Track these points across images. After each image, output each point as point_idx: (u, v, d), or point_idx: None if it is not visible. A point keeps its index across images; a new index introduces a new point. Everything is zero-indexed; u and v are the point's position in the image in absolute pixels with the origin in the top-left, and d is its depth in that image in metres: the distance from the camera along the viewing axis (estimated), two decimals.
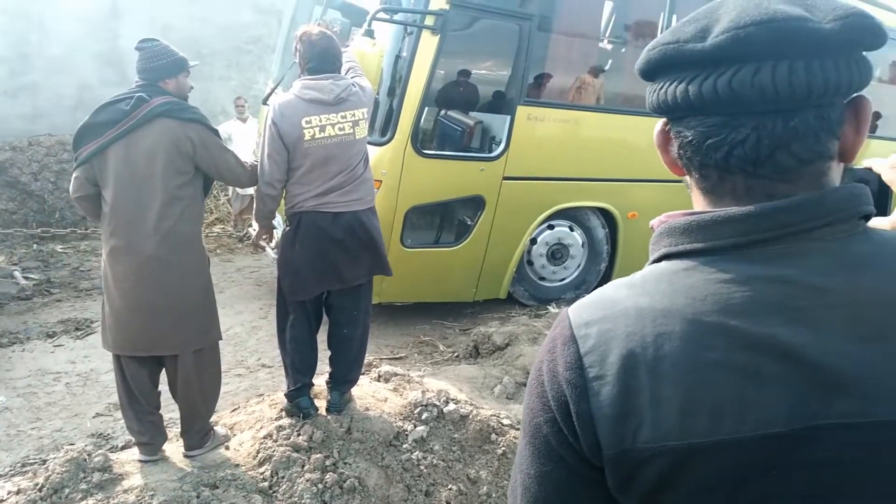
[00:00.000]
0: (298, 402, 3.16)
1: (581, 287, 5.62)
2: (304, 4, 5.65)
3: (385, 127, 4.35)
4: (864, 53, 0.64)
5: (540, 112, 4.83)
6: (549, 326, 4.55)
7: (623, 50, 5.78)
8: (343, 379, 3.27)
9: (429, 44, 4.21)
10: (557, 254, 5.46)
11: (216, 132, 2.89)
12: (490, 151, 4.81)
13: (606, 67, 5.68)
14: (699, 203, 0.70)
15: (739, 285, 0.61)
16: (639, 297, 0.65)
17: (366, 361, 3.87)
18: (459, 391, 3.64)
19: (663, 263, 0.68)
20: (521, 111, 4.70)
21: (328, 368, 3.34)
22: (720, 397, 0.59)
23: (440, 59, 4.29)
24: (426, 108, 4.44)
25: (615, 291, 0.69)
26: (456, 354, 4.55)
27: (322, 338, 3.32)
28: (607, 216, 5.48)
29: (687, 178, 0.72)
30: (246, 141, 7.13)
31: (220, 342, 3.06)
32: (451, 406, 3.28)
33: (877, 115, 7.17)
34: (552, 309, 5.27)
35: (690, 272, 0.64)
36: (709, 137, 0.64)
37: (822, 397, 0.58)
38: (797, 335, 0.59)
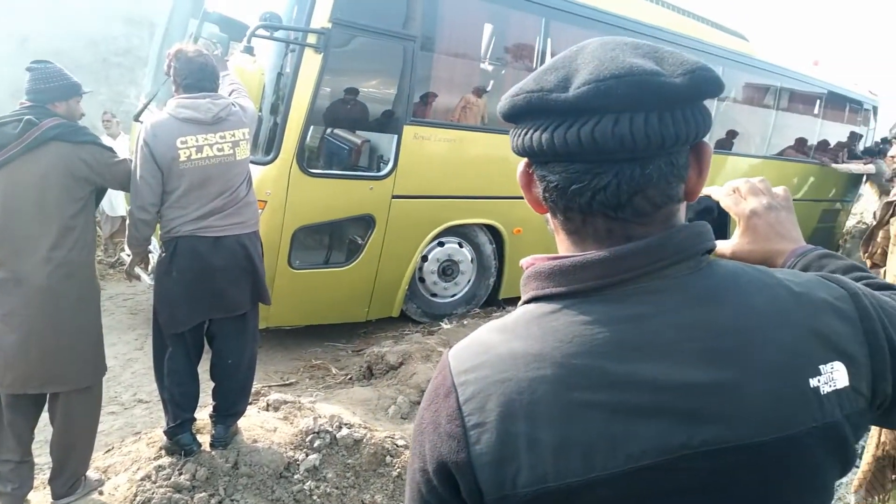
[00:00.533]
0: (179, 439, 2.96)
1: (472, 301, 5.71)
2: (179, 17, 5.40)
3: (269, 146, 4.23)
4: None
5: (426, 131, 4.89)
6: (443, 344, 4.62)
7: (503, 71, 5.98)
8: (228, 411, 3.11)
9: (312, 62, 4.14)
10: (448, 270, 5.52)
11: (110, 149, 2.76)
12: (378, 170, 4.80)
13: (489, 88, 5.85)
14: (563, 242, 0.73)
15: (601, 326, 0.65)
16: (512, 342, 0.67)
17: (253, 390, 3.72)
18: (353, 414, 3.57)
19: (532, 305, 0.70)
20: (408, 130, 4.73)
21: (211, 401, 3.16)
22: (592, 436, 0.61)
23: (324, 77, 4.23)
24: (312, 127, 4.36)
25: (490, 336, 0.70)
26: (349, 376, 4.47)
27: (204, 367, 3.15)
28: (494, 232, 5.61)
29: (550, 217, 0.74)
30: None
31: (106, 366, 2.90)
32: (345, 431, 3.21)
33: (732, 133, 7.88)
34: (444, 325, 5.31)
35: (557, 315, 0.67)
36: (573, 183, 0.67)
37: (685, 427, 0.62)
38: (657, 370, 0.63)
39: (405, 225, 4.95)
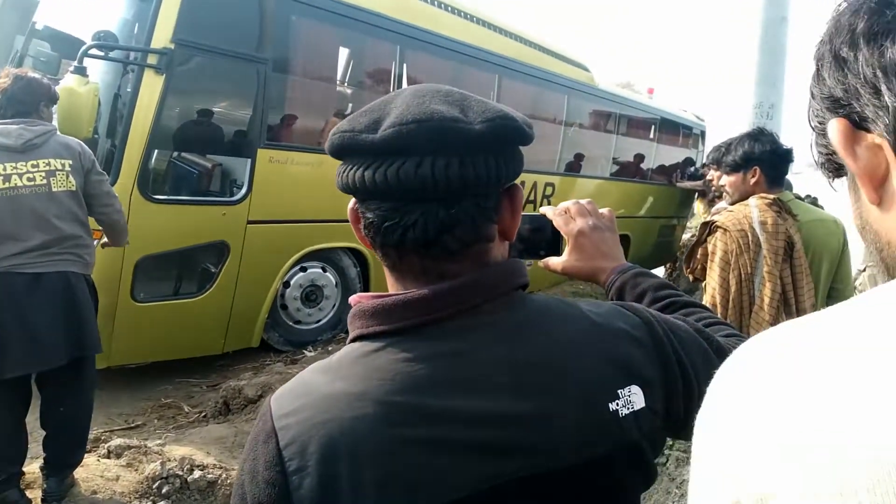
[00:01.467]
0: (6, 496, 2.67)
1: (337, 327, 5.62)
2: (3, 33, 4.90)
3: (105, 171, 3.91)
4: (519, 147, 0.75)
5: (283, 155, 4.78)
6: None
7: (361, 95, 6.02)
8: (62, 463, 2.83)
9: (152, 83, 3.92)
10: (312, 295, 5.41)
11: None
12: (231, 195, 4.62)
13: (348, 111, 5.84)
14: (388, 279, 0.76)
15: (421, 363, 0.67)
16: (335, 382, 0.68)
17: (92, 436, 3.41)
18: (207, 455, 3.38)
19: (357, 344, 0.72)
20: (263, 154, 4.60)
21: (42, 452, 2.86)
22: (414, 471, 0.63)
23: (167, 98, 4.02)
24: (155, 151, 4.12)
25: (313, 377, 0.71)
26: (203, 414, 4.22)
27: (35, 415, 2.85)
28: (358, 255, 5.58)
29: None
30: None
31: None
32: (197, 473, 3.03)
33: (580, 157, 8.43)
34: (308, 353, 5.18)
35: (380, 353, 0.69)
36: (385, 220, 0.70)
37: (500, 458, 0.65)
38: (472, 404, 0.66)
39: (263, 251, 4.79)
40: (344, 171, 0.72)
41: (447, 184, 0.67)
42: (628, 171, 9.69)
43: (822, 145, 0.52)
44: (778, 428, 0.39)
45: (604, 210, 1.08)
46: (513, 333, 0.71)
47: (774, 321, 2.34)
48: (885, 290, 0.42)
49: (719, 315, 2.45)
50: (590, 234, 1.03)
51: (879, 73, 0.44)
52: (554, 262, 1.05)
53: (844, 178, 0.53)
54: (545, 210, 1.06)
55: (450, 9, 6.11)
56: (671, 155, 10.63)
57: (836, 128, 0.48)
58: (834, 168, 0.53)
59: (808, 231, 2.44)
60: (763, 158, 2.51)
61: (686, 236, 12.45)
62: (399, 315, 0.69)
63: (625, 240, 9.80)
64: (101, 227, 3.05)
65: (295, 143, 5.04)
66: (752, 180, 2.53)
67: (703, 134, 11.84)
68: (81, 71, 3.47)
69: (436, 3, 5.95)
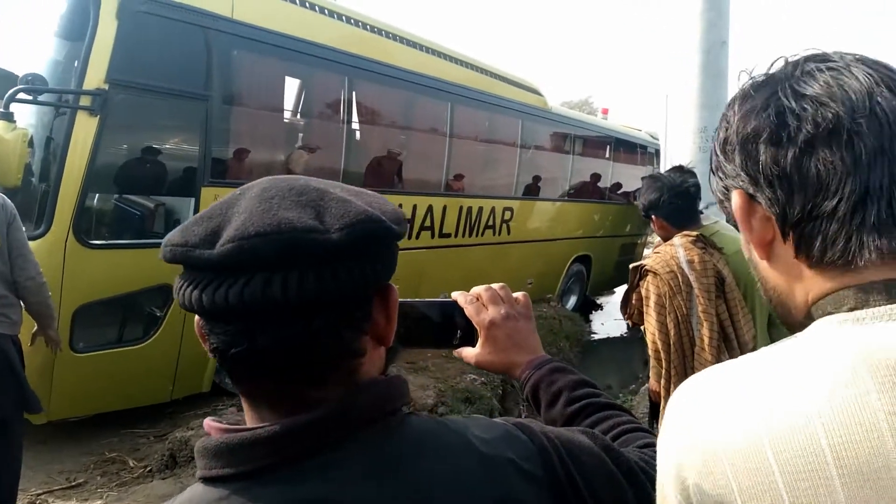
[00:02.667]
0: None
1: None
2: None
3: (39, 219, 3.75)
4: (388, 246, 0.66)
5: (229, 192, 4.61)
6: None
7: (311, 126, 5.93)
8: None
9: (86, 125, 3.76)
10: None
11: None
12: None
13: (297, 144, 5.75)
14: (244, 405, 0.66)
15: None
16: None
17: (27, 501, 3.21)
18: None
19: (200, 489, 0.62)
20: (207, 192, 4.46)
21: None
22: None
23: (102, 140, 3.86)
24: (90, 195, 3.95)
25: None
26: (149, 468, 4.01)
27: None
28: None
29: None
30: None
31: None
32: None
33: (537, 179, 8.47)
34: None
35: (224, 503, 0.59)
36: (232, 346, 0.60)
37: None
38: None
39: None
40: (181, 288, 0.61)
41: (302, 301, 0.58)
42: (586, 191, 9.78)
43: (725, 208, 0.69)
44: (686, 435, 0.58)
45: (518, 294, 1.00)
46: (385, 470, 0.62)
47: (717, 360, 2.30)
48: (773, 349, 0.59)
49: (663, 359, 2.43)
50: (502, 324, 0.94)
51: (768, 169, 0.61)
52: (467, 354, 0.96)
53: None
54: (456, 296, 0.97)
55: (399, 39, 6.08)
56: (628, 173, 10.78)
57: (736, 200, 0.65)
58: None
59: (736, 262, 2.41)
60: (660, 206, 2.51)
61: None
62: (247, 455, 0.59)
63: (586, 260, 9.86)
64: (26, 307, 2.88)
65: (242, 179, 4.90)
66: (658, 228, 2.56)
67: (657, 152, 12.05)
68: (8, 116, 3.32)
69: (384, 33, 5.91)
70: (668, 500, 0.60)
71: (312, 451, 0.60)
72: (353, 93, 5.73)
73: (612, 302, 12.17)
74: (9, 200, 2.76)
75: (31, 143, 3.61)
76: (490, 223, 7.43)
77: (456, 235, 6.88)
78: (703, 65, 5.21)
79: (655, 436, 0.81)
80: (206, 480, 0.61)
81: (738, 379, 0.57)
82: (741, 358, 0.60)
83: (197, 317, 0.64)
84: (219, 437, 0.61)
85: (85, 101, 3.77)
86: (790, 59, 0.64)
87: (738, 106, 0.65)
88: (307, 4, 5.19)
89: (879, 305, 0.55)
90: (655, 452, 0.74)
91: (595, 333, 9.77)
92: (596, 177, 9.90)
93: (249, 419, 0.64)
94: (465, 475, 0.65)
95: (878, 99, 0.57)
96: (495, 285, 0.98)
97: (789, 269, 0.62)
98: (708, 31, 5.22)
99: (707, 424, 0.56)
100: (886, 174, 0.56)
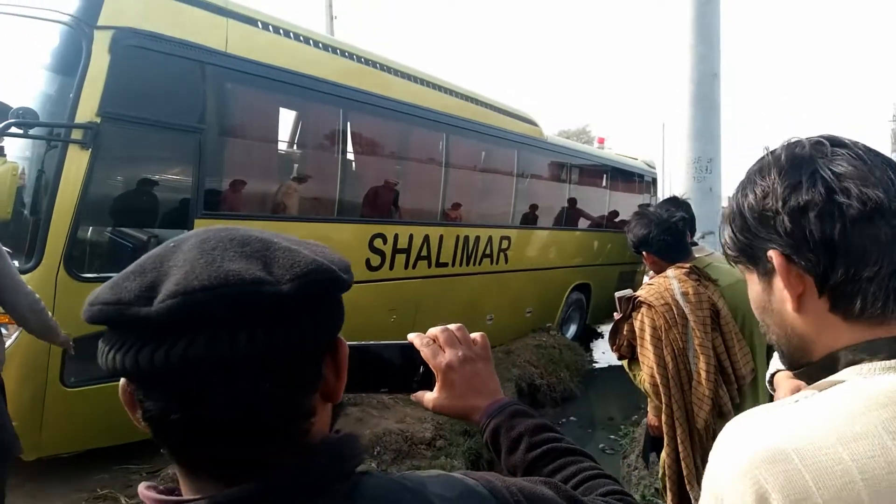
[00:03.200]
0: None
1: None
2: None
3: (30, 253, 3.73)
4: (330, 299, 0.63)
5: (221, 224, 4.64)
6: None
7: (306, 158, 5.96)
8: None
9: (77, 158, 3.77)
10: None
11: None
12: None
13: (292, 176, 5.77)
14: (181, 478, 0.60)
15: None
16: None
17: None
18: None
19: None
20: (200, 223, 4.46)
21: None
22: None
23: (94, 174, 3.87)
24: (82, 228, 3.95)
25: None
26: None
27: None
28: None
29: None
30: None
31: None
32: None
33: (534, 208, 8.49)
34: None
35: None
36: (171, 413, 0.55)
37: None
38: None
39: None
40: (107, 352, 0.55)
41: (250, 360, 0.54)
42: (583, 219, 9.79)
43: (737, 246, 0.81)
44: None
45: (475, 335, 0.96)
46: None
47: (714, 394, 2.25)
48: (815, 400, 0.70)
49: (662, 394, 2.37)
50: (459, 368, 0.91)
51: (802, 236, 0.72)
52: (425, 399, 0.92)
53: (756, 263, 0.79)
54: (412, 338, 0.93)
55: (394, 71, 6.15)
56: (625, 202, 10.80)
57: (777, 260, 0.74)
58: (748, 257, 0.80)
59: (732, 294, 2.38)
60: (650, 242, 2.49)
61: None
62: None
63: (585, 288, 9.82)
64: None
65: (235, 211, 4.92)
66: (650, 263, 2.55)
67: (654, 181, 12.09)
68: None
69: (379, 65, 5.98)
70: None
71: None
72: (349, 124, 5.77)
73: None
74: None
75: (22, 176, 3.61)
76: (488, 252, 7.41)
77: (453, 265, 6.86)
78: (695, 96, 5.27)
79: (622, 482, 0.80)
80: None
81: (805, 418, 0.68)
82: (799, 403, 0.71)
83: (123, 382, 0.59)
84: None
85: (77, 134, 3.78)
86: (808, 140, 0.76)
87: (783, 177, 0.74)
88: (301, 38, 5.26)
89: None
90: (619, 499, 0.80)
91: (596, 363, 9.67)
92: (594, 205, 9.93)
93: (186, 490, 0.59)
94: None
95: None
96: (452, 326, 0.95)
97: (820, 319, 0.74)
98: (699, 63, 5.28)
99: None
100: None
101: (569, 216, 9.42)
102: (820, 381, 0.73)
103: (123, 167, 4.38)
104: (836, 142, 0.75)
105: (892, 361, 0.68)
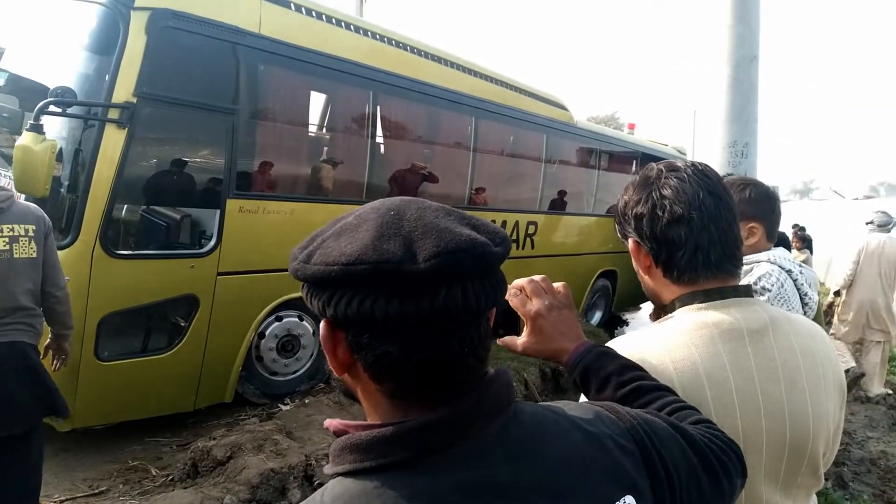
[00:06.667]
0: None
1: (315, 377, 5.46)
2: None
3: (66, 228, 3.82)
4: None
5: (253, 204, 4.69)
6: (279, 430, 4.33)
7: (335, 140, 5.97)
8: None
9: (114, 137, 3.84)
10: (288, 345, 5.26)
11: None
12: (200, 247, 4.51)
13: (322, 157, 5.80)
14: (378, 406, 0.71)
15: (433, 499, 0.63)
16: None
17: None
18: None
19: (349, 482, 0.66)
20: (232, 204, 4.52)
21: None
22: None
23: (130, 152, 3.94)
24: (118, 206, 4.03)
25: None
26: (171, 477, 4.03)
27: None
28: None
29: (356, 379, 0.72)
30: None
31: None
32: None
33: (563, 194, 8.42)
34: (284, 407, 5.01)
35: (381, 492, 0.63)
36: (417, 352, 0.66)
37: None
38: None
39: (234, 302, 4.67)
40: (356, 301, 0.65)
41: (478, 308, 0.67)
42: (611, 206, 9.69)
43: (617, 230, 1.25)
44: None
45: (558, 285, 1.10)
46: (519, 453, 0.69)
47: None
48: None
49: None
50: (547, 314, 1.05)
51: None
52: (512, 342, 1.08)
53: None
54: None
55: (423, 53, 6.12)
56: None
57: (631, 245, 1.19)
58: (623, 237, 1.22)
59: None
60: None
61: None
62: (399, 446, 0.65)
63: (611, 275, 9.75)
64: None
65: (266, 192, 4.96)
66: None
67: None
68: (37, 128, 3.40)
69: (409, 48, 5.96)
70: None
71: (454, 440, 0.66)
72: (378, 107, 5.77)
73: (638, 318, 11.98)
74: (46, 215, 2.83)
75: (59, 155, 3.68)
76: (514, 237, 7.39)
77: None
78: (733, 80, 5.13)
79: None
80: (355, 474, 0.66)
81: (650, 337, 1.11)
82: (650, 327, 1.18)
83: (327, 329, 0.69)
84: (368, 433, 0.67)
85: (113, 113, 3.85)
86: (657, 166, 1.16)
87: (634, 193, 1.16)
88: (333, 20, 5.25)
89: (714, 300, 1.11)
90: (708, 428, 0.90)
91: None
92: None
93: (385, 414, 0.70)
94: (578, 451, 0.73)
95: (702, 198, 1.10)
96: (537, 277, 1.09)
97: (659, 280, 1.16)
98: (737, 45, 5.14)
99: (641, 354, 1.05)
100: (706, 239, 1.09)
101: (597, 202, 9.33)
102: (661, 318, 1.16)
103: (158, 147, 4.45)
104: (671, 168, 1.14)
105: (702, 304, 1.10)
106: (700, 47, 5.56)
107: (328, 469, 0.69)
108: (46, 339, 3.02)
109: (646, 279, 1.19)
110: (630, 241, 1.17)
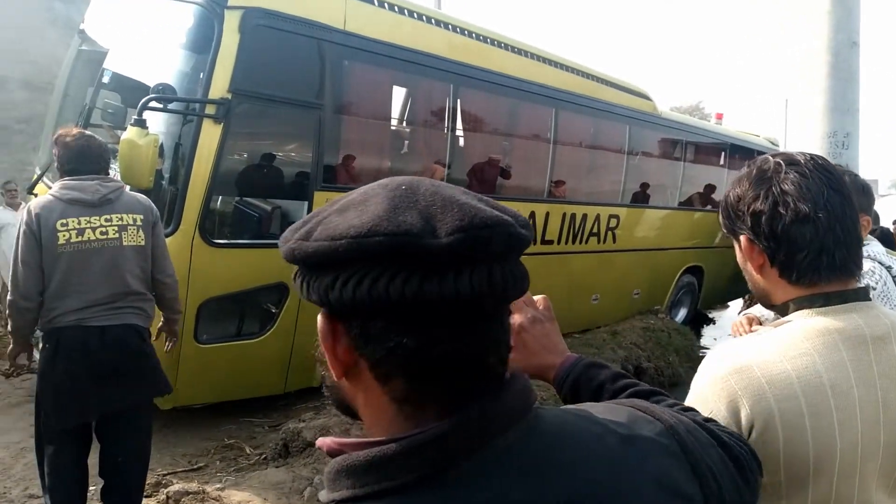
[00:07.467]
0: None
1: None
2: (76, 85, 5.23)
3: (168, 218, 4.07)
4: None
5: (338, 196, 4.83)
6: None
7: (416, 134, 6.05)
8: None
9: (211, 132, 4.05)
10: None
11: None
12: None
13: (403, 151, 5.90)
14: (382, 416, 0.60)
15: None
16: None
17: (153, 481, 3.46)
18: (264, 501, 3.37)
19: None
20: (319, 196, 4.67)
21: (99, 500, 2.91)
22: None
23: (226, 146, 4.14)
24: (214, 197, 4.25)
25: None
26: (264, 456, 4.22)
27: (94, 460, 2.91)
28: None
29: (358, 386, 0.62)
30: (15, 232, 6.32)
31: None
32: None
33: (645, 186, 8.19)
34: None
35: None
36: (437, 344, 0.56)
37: None
38: None
39: None
40: (377, 280, 0.55)
41: (511, 296, 0.60)
42: (698, 199, 9.33)
43: (724, 225, 1.16)
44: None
45: (538, 298, 1.02)
46: (538, 469, 0.59)
47: None
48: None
49: None
50: (531, 328, 0.98)
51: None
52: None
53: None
54: None
55: (503, 45, 6.11)
56: None
57: (743, 241, 1.11)
58: (731, 233, 1.15)
59: None
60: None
61: None
62: (406, 467, 0.55)
63: (698, 271, 9.40)
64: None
65: (350, 185, 5.10)
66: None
67: None
68: (141, 123, 3.62)
69: (488, 40, 5.96)
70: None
71: (469, 454, 0.57)
72: (458, 100, 5.80)
73: (726, 316, 11.50)
74: (153, 205, 3.00)
75: (160, 149, 3.90)
76: (595, 230, 7.25)
77: (559, 242, 6.77)
78: (832, 67, 4.85)
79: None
80: (353, 502, 0.56)
81: (767, 342, 1.05)
82: (762, 331, 1.12)
83: (325, 321, 0.60)
84: (367, 453, 0.56)
85: (210, 109, 4.05)
86: (773, 159, 1.09)
87: (750, 188, 1.09)
88: (414, 14, 5.33)
89: (835, 304, 1.04)
90: (720, 428, 0.82)
91: (707, 348, 9.26)
92: (710, 184, 9.43)
93: (393, 425, 0.59)
94: (615, 458, 0.64)
95: (827, 196, 1.03)
96: None
97: (773, 281, 1.09)
98: (836, 31, 4.86)
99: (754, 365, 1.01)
100: (832, 240, 1.03)
101: (683, 195, 9.02)
102: (775, 321, 1.11)
103: (250, 141, 4.66)
104: (790, 161, 1.07)
105: (822, 308, 1.04)
106: (794, 34, 5.27)
107: (324, 497, 0.59)
108: (159, 322, 3.20)
109: (756, 278, 1.13)
110: (742, 237, 1.10)
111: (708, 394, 1.02)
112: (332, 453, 0.60)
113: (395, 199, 0.58)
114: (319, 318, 0.61)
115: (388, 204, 0.58)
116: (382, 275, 0.55)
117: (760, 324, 2.12)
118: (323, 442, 0.62)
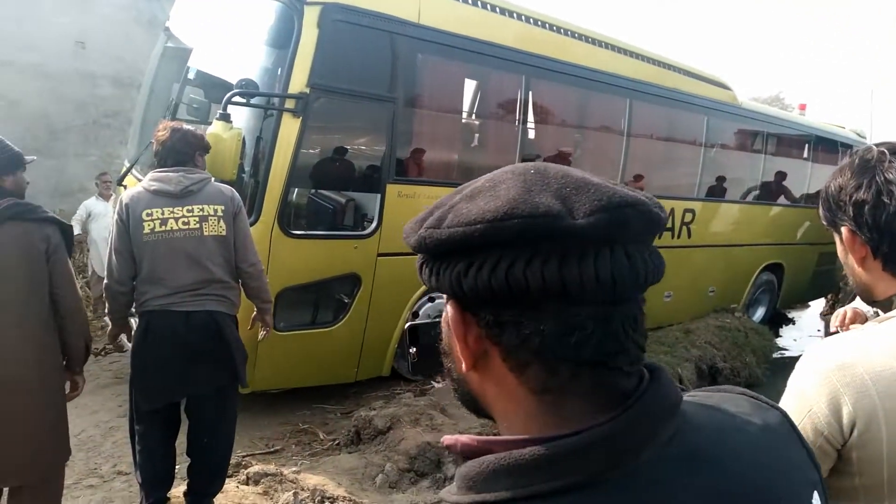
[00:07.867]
0: None
1: None
2: (162, 81, 5.47)
3: (249, 210, 4.21)
4: None
5: (410, 189, 4.88)
6: (433, 406, 4.49)
7: (488, 127, 6.03)
8: (203, 491, 3.01)
9: (290, 126, 4.16)
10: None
11: (70, 240, 2.60)
12: (363, 229, 4.77)
13: (474, 144, 5.89)
14: (519, 407, 0.58)
15: None
16: None
17: (234, 461, 3.60)
18: (338, 486, 3.45)
19: None
20: (391, 189, 4.73)
21: (187, 478, 3.05)
22: None
23: (304, 140, 4.25)
24: (292, 189, 4.37)
25: None
26: (337, 442, 4.33)
27: (182, 439, 3.05)
28: None
29: (488, 378, 0.60)
30: (107, 222, 6.67)
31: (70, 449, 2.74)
32: None
33: (723, 179, 7.90)
34: (436, 384, 5.19)
35: None
36: (576, 329, 0.54)
37: None
38: None
39: (392, 282, 4.89)
40: (513, 265, 0.53)
41: (651, 281, 0.57)
42: (780, 193, 8.92)
43: (825, 217, 1.15)
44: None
45: None
46: (703, 462, 0.56)
47: None
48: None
49: None
50: None
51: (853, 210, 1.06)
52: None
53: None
54: None
55: (575, 35, 6.00)
56: (829, 175, 9.65)
57: (845, 233, 1.08)
58: (832, 226, 1.14)
59: None
60: None
61: None
62: (580, 463, 0.52)
63: (777, 269, 9.01)
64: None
65: (422, 178, 5.14)
66: None
67: None
68: (226, 117, 3.76)
69: (560, 30, 5.87)
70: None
71: (640, 450, 0.54)
72: (530, 91, 5.75)
73: (808, 316, 10.97)
74: (237, 193, 3.09)
75: (243, 142, 4.04)
76: (669, 225, 7.05)
77: None
78: None
79: None
80: (520, 500, 0.52)
81: (871, 338, 1.02)
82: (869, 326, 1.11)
83: (454, 310, 0.58)
84: (532, 449, 0.53)
85: (290, 103, 4.16)
86: (877, 149, 1.06)
87: (852, 178, 1.07)
88: (487, 6, 5.31)
89: None
90: None
91: (786, 350, 8.86)
92: (792, 177, 8.99)
93: (531, 417, 0.57)
94: (762, 449, 0.61)
95: None
96: None
97: (877, 274, 1.07)
98: None
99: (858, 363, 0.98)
100: None
101: (763, 189, 8.64)
102: (880, 316, 1.06)
103: (327, 135, 4.76)
104: (894, 150, 1.04)
105: None
106: (880, 21, 4.94)
107: (455, 498, 0.55)
108: (253, 311, 3.29)
109: (858, 271, 1.10)
110: (844, 229, 1.08)
111: (808, 390, 0.99)
112: (470, 453, 0.57)
113: (527, 183, 0.57)
114: (448, 307, 0.59)
115: (521, 187, 0.56)
116: (518, 259, 0.53)
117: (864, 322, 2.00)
118: (456, 440, 0.58)
